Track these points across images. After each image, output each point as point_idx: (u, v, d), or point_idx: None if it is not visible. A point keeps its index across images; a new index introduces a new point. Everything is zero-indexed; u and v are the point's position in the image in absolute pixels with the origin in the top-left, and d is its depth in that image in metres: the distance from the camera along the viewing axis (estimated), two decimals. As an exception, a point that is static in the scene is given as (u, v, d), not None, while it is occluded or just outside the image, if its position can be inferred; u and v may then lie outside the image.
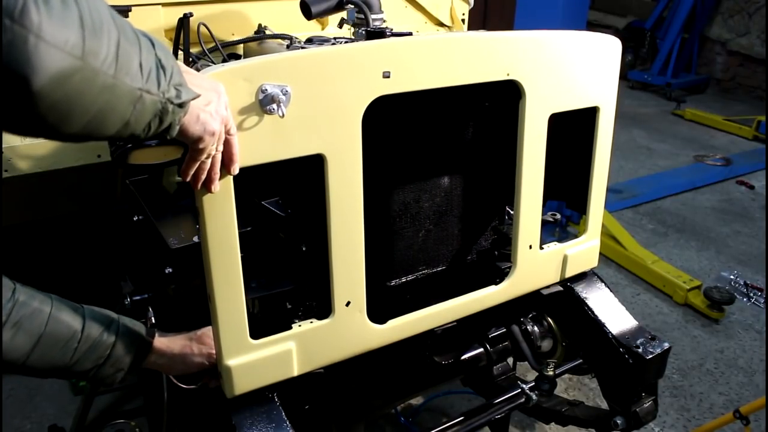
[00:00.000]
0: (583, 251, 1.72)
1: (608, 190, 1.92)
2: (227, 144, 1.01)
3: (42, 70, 0.66)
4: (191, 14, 1.78)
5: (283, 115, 1.08)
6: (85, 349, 1.16)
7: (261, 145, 1.10)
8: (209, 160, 0.99)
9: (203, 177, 1.01)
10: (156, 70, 0.80)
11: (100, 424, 2.40)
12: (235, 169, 1.05)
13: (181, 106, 0.85)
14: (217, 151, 0.99)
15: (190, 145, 0.95)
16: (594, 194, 1.67)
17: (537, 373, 1.72)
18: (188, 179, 1.00)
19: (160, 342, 1.30)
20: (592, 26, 5.47)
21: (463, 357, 1.78)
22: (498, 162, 1.60)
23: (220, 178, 1.05)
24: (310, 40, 1.72)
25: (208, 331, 1.33)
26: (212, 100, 0.93)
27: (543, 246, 1.64)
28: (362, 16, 1.72)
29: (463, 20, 2.87)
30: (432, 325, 1.52)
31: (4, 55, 0.64)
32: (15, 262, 2.23)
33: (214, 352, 1.29)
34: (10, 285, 1.10)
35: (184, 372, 1.34)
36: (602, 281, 1.78)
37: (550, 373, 1.68)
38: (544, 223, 1.63)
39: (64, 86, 0.69)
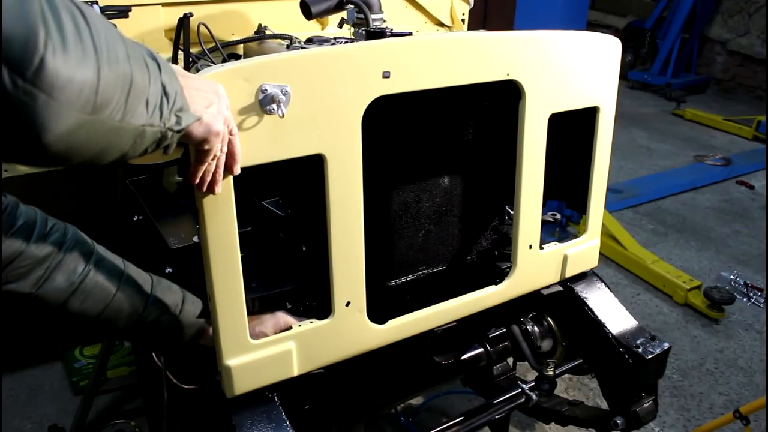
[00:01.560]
0: (583, 251, 1.72)
1: (608, 190, 1.92)
2: (230, 144, 1.01)
3: (51, 129, 0.65)
4: (191, 14, 1.78)
5: (283, 115, 1.08)
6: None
7: (261, 145, 1.10)
8: (215, 162, 1.00)
9: (209, 179, 1.01)
10: (160, 100, 0.79)
11: (100, 424, 2.41)
12: (237, 169, 1.05)
13: (180, 131, 0.85)
14: (221, 152, 0.99)
15: (195, 148, 0.95)
16: (594, 194, 1.67)
17: (537, 373, 1.72)
18: (196, 182, 1.00)
19: None
20: (592, 26, 5.46)
21: (463, 357, 1.77)
22: (498, 162, 1.60)
23: (222, 179, 1.05)
24: (310, 40, 1.72)
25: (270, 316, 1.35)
26: (213, 102, 0.93)
27: (543, 246, 1.64)
28: (362, 16, 1.72)
29: (463, 20, 2.87)
30: (432, 325, 1.52)
31: (11, 112, 0.62)
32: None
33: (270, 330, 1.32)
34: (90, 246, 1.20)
35: None
36: (602, 281, 1.78)
37: (550, 373, 1.68)
38: (544, 223, 1.63)
39: (71, 138, 0.68)
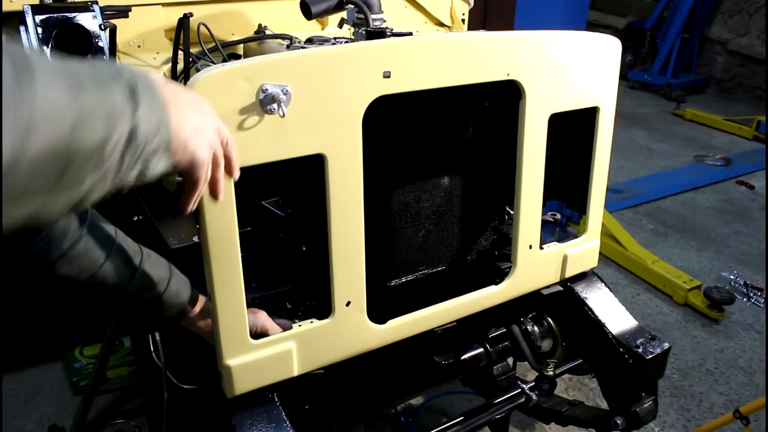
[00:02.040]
0: (583, 251, 1.72)
1: (608, 190, 1.92)
2: (226, 158, 0.94)
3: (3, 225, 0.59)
4: (191, 14, 1.78)
5: (284, 114, 1.08)
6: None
7: (261, 145, 1.10)
8: (206, 186, 0.93)
9: (195, 203, 0.95)
10: (123, 151, 0.68)
11: (100, 424, 2.40)
12: (236, 175, 1.01)
13: (146, 178, 0.75)
14: (209, 176, 0.91)
15: (183, 176, 0.88)
16: (594, 194, 1.67)
17: (537, 373, 1.72)
18: (188, 210, 0.94)
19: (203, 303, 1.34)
20: (592, 26, 5.46)
21: (463, 357, 1.77)
22: (498, 162, 1.60)
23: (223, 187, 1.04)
24: (310, 40, 1.73)
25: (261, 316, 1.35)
26: (199, 124, 0.84)
27: (543, 246, 1.64)
28: (362, 16, 1.72)
29: (463, 20, 2.87)
30: (432, 325, 1.52)
31: None
32: (15, 262, 2.22)
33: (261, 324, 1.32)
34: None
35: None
36: (602, 281, 1.78)
37: (550, 373, 1.68)
38: (544, 223, 1.63)
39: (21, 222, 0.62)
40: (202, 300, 1.34)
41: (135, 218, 1.66)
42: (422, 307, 1.48)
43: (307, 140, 1.15)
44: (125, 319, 1.76)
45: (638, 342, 1.65)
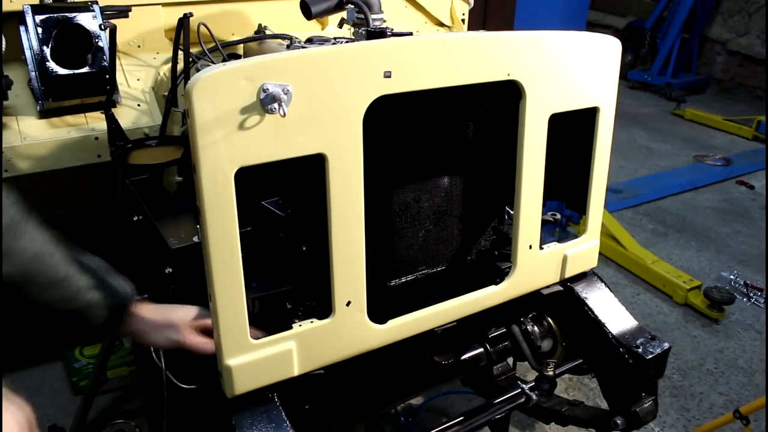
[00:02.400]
0: (582, 251, 1.72)
1: (608, 190, 1.92)
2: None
3: None
4: (191, 14, 1.79)
5: (285, 114, 1.08)
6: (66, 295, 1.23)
7: (262, 145, 1.10)
8: None
9: None
10: None
11: (100, 424, 2.40)
12: None
13: None
14: None
15: None
16: (594, 194, 1.67)
17: (537, 373, 1.72)
18: None
19: (144, 309, 1.34)
20: (592, 26, 5.47)
21: (463, 357, 1.77)
22: (498, 162, 1.60)
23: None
24: (310, 40, 1.73)
25: (190, 317, 1.36)
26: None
27: (543, 246, 1.63)
28: (362, 16, 1.72)
29: (463, 20, 2.88)
30: (432, 325, 1.52)
31: None
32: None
33: (186, 341, 1.33)
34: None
35: (157, 346, 1.38)
36: (602, 281, 1.78)
37: (550, 373, 1.68)
38: (544, 223, 1.63)
39: None
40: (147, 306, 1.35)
41: (135, 218, 1.66)
42: (422, 307, 1.48)
43: (307, 140, 1.15)
44: (48, 331, 1.77)
45: (638, 342, 1.65)
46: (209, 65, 1.29)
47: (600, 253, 1.79)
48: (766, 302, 3.41)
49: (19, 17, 1.86)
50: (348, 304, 1.33)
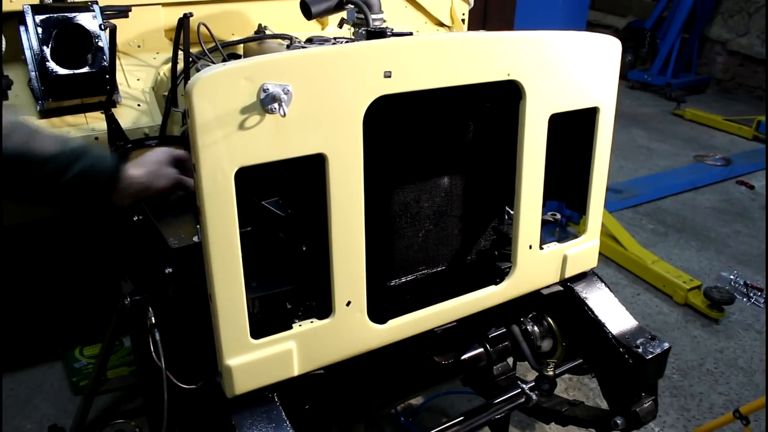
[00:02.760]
0: (582, 251, 1.72)
1: (608, 190, 1.92)
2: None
3: None
4: (191, 14, 1.79)
5: (285, 114, 1.08)
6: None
7: (262, 145, 1.10)
8: None
9: None
10: None
11: (100, 424, 2.40)
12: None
13: None
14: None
15: None
16: (594, 194, 1.67)
17: (537, 373, 1.72)
18: None
19: (131, 167, 1.43)
20: (592, 26, 5.46)
21: (463, 357, 1.77)
22: (498, 162, 1.60)
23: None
24: (310, 40, 1.73)
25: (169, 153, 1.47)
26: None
27: (543, 246, 1.64)
28: (362, 16, 1.72)
29: (463, 20, 2.88)
30: (432, 325, 1.52)
31: None
32: (15, 262, 2.23)
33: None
34: None
35: (160, 188, 1.46)
36: (602, 281, 1.78)
37: (550, 373, 1.68)
38: (544, 223, 1.63)
39: None
40: (131, 168, 1.42)
41: (135, 218, 1.66)
42: (422, 307, 1.48)
43: (307, 140, 1.15)
44: (57, 209, 1.81)
45: (638, 342, 1.65)
46: (209, 65, 1.29)
47: (600, 253, 1.79)
48: (766, 302, 3.41)
49: (19, 17, 1.86)
50: (348, 304, 1.33)
